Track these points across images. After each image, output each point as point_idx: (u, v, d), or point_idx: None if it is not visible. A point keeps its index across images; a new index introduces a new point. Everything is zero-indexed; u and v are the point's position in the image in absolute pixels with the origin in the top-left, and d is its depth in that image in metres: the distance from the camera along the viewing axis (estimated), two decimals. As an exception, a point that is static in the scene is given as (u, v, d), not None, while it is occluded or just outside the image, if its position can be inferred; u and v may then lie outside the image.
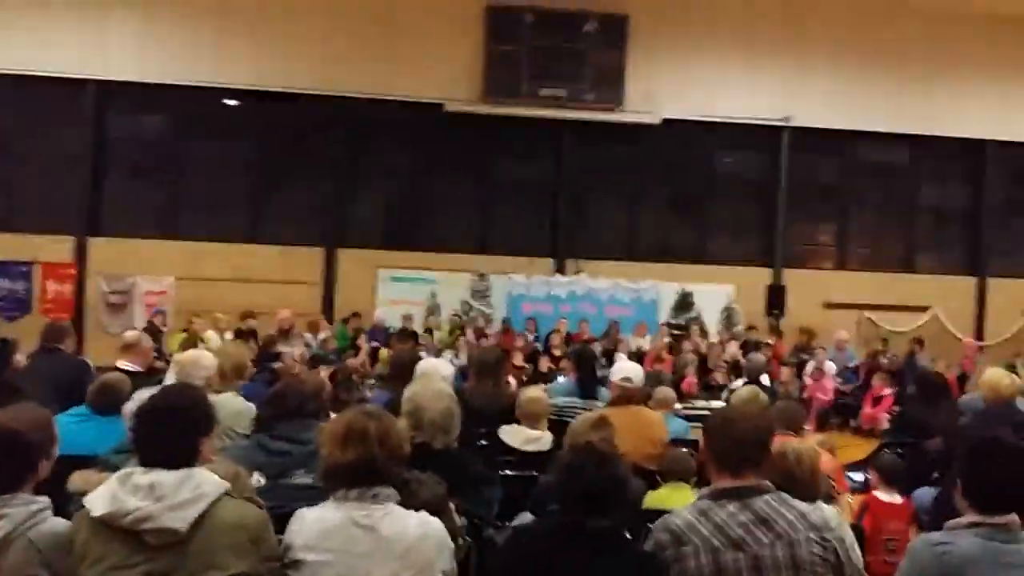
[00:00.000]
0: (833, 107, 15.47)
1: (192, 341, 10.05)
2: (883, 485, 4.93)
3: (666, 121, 15.02)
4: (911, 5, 15.36)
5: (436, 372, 5.05)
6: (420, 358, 5.95)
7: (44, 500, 2.47)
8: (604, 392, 5.94)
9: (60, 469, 2.89)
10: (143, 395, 3.43)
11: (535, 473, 4.33)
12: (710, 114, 15.31)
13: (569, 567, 2.51)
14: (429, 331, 13.63)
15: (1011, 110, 15.84)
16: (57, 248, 14.20)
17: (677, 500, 4.22)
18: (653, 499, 4.39)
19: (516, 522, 3.72)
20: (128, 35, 14.17)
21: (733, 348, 13.18)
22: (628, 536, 2.83)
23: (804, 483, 3.28)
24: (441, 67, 14.64)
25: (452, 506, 2.98)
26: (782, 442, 3.53)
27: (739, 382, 9.19)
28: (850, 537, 2.77)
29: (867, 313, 15.67)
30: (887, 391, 11.45)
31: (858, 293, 15.78)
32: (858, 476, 5.33)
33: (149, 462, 2.42)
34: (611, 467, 2.67)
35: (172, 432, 2.48)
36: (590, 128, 15.17)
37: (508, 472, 4.42)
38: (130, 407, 3.62)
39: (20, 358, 4.89)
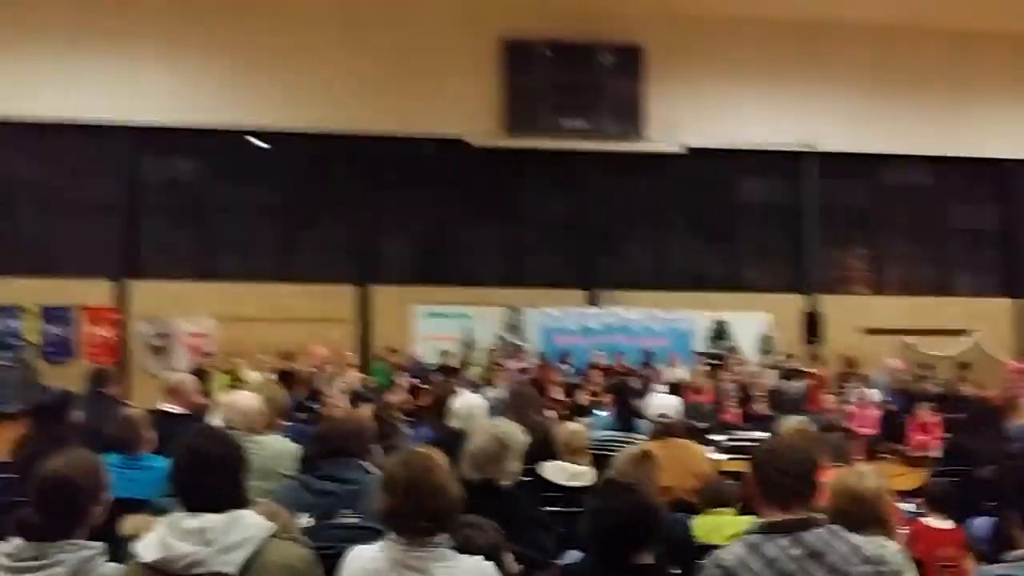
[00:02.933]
0: (857, 131, 15.42)
1: (234, 383, 10.09)
2: (933, 511, 4.84)
3: (690, 150, 15.00)
4: (931, 25, 15.32)
5: (472, 407, 5.05)
6: (455, 393, 5.96)
7: (99, 546, 2.49)
8: (643, 424, 5.91)
9: (110, 512, 2.92)
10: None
11: (580, 509, 4.28)
12: (733, 141, 15.32)
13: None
14: (466, 366, 13.62)
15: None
16: (97, 292, 14.42)
17: (721, 526, 4.18)
18: (698, 529, 4.35)
19: (564, 561, 3.68)
20: (158, 79, 14.44)
21: (773, 378, 13.01)
22: (678, 573, 2.80)
23: (875, 515, 3.22)
24: (461, 103, 14.78)
25: (510, 553, 2.96)
26: (844, 472, 3.47)
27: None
28: (911, 572, 2.70)
29: (906, 338, 15.45)
30: (935, 418, 11.21)
31: (895, 318, 15.57)
32: (909, 506, 5.22)
33: (192, 507, 2.43)
34: (636, 496, 2.64)
35: (213, 475, 2.48)
36: (613, 159, 15.22)
37: (554, 509, 4.38)
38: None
39: (76, 416, 4.95)
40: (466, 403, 5.21)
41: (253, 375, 11.26)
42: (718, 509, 4.40)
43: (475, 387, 11.99)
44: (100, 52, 14.41)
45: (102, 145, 14.65)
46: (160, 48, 14.48)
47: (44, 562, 2.37)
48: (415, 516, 2.52)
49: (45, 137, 14.53)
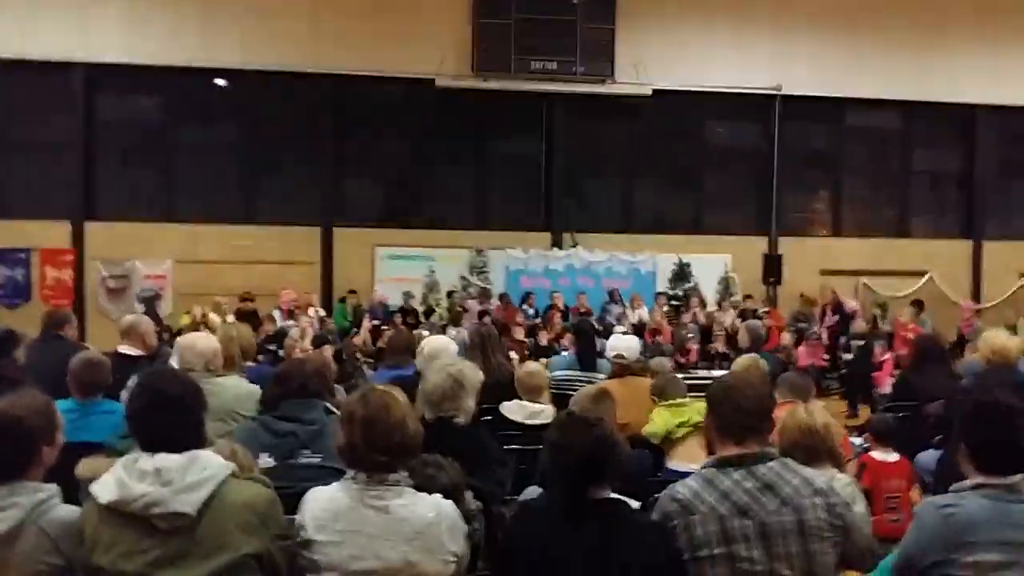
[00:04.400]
0: (824, 74, 15.43)
1: (195, 325, 10.01)
2: (877, 444, 4.97)
3: (657, 92, 14.94)
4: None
5: (444, 350, 5.05)
6: (417, 336, 5.96)
7: (52, 487, 2.47)
8: (604, 364, 5.97)
9: (67, 457, 2.90)
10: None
11: (540, 446, 4.34)
12: (701, 84, 15.24)
13: (577, 541, 2.52)
14: (430, 309, 13.63)
15: (1002, 73, 15.80)
16: (54, 234, 14.17)
17: (677, 415, 4.30)
18: (656, 420, 4.48)
19: (523, 496, 3.74)
20: (114, 16, 14.02)
21: (731, 317, 13.21)
22: (634, 506, 2.85)
23: (826, 447, 3.32)
24: (430, 43, 14.53)
25: (468, 490, 2.99)
26: (794, 408, 3.57)
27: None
28: (860, 503, 2.79)
29: (864, 279, 15.71)
30: (887, 355, 11.49)
31: (854, 260, 15.84)
32: (859, 440, 5.36)
33: (150, 448, 2.42)
34: (595, 430, 2.67)
35: (170, 416, 2.47)
36: (582, 101, 15.11)
37: (514, 447, 4.44)
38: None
39: (20, 354, 4.86)
40: (436, 344, 5.17)
41: (213, 317, 11.20)
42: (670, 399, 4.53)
43: (441, 329, 12.10)
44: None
45: (57, 83, 14.20)
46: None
47: (-2, 504, 2.35)
48: (373, 451, 2.53)
49: (-1, 75, 14.08)
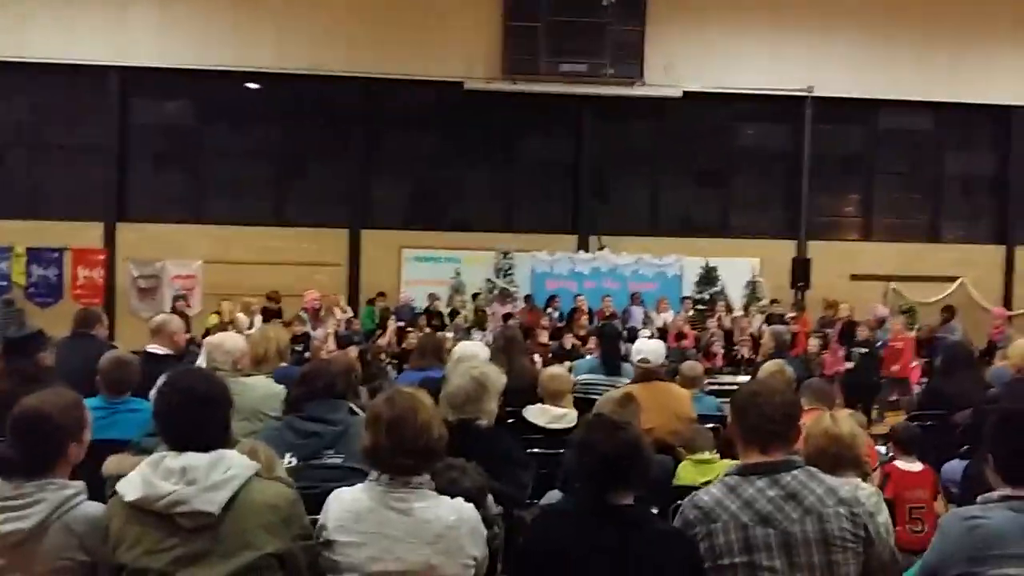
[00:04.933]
0: (856, 75, 15.23)
1: (223, 324, 10.11)
2: (901, 453, 4.90)
3: (687, 94, 14.86)
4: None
5: (475, 356, 5.05)
6: (443, 339, 5.96)
7: (79, 484, 2.49)
8: (628, 368, 5.95)
9: (94, 454, 2.94)
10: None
11: (562, 451, 4.34)
12: (731, 86, 15.14)
13: (597, 547, 2.51)
14: (455, 311, 13.66)
15: (1040, 75, 15.54)
16: (86, 234, 14.39)
17: (704, 472, 4.23)
18: (682, 474, 4.40)
19: (544, 501, 3.74)
20: (149, 20, 14.22)
21: (757, 322, 13.10)
22: (656, 514, 2.84)
23: (852, 456, 3.27)
24: (460, 45, 14.59)
25: (490, 494, 2.99)
26: (820, 415, 3.52)
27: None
28: (884, 514, 2.75)
29: (894, 284, 15.52)
30: (915, 363, 11.35)
31: (884, 264, 15.64)
32: (883, 449, 5.29)
33: (177, 445, 2.45)
34: (623, 434, 2.65)
35: (197, 414, 2.49)
36: (611, 103, 15.08)
37: (535, 451, 4.44)
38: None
39: (48, 354, 4.93)
40: (467, 350, 5.16)
41: (241, 317, 11.29)
42: (698, 455, 4.42)
43: (466, 332, 12.13)
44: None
45: (92, 87, 14.44)
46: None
47: (25, 501, 2.38)
48: (398, 453, 2.54)
49: (34, 79, 14.34)
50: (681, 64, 14.79)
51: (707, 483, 4.15)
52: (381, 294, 13.95)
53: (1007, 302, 15.62)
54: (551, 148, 15.99)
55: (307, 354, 9.65)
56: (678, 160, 16.04)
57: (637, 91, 14.78)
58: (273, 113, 15.16)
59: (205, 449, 2.44)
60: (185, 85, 14.76)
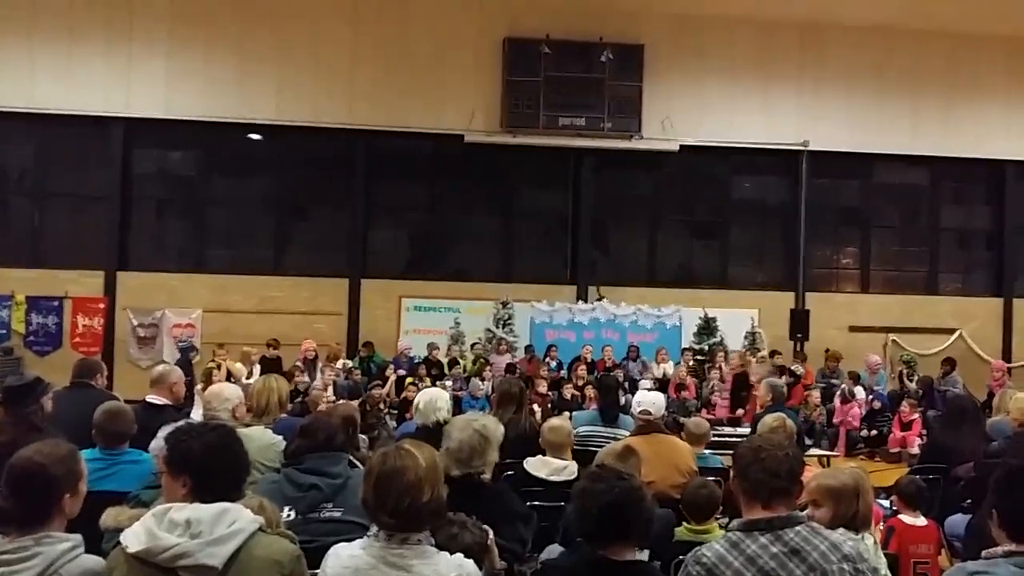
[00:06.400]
0: (850, 130, 15.51)
1: (208, 374, 10.00)
2: (906, 508, 4.87)
3: (684, 148, 15.06)
4: (927, 26, 15.36)
5: (440, 397, 5.05)
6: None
7: (76, 538, 2.47)
8: (627, 420, 5.93)
9: (92, 506, 2.91)
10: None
11: (562, 503, 4.30)
12: (728, 140, 15.36)
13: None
14: (454, 360, 13.64)
15: (1032, 129, 15.76)
16: (87, 283, 14.43)
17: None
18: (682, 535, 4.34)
19: (544, 555, 3.70)
20: (153, 73, 14.44)
21: (764, 371, 13.04)
22: (658, 568, 2.81)
23: (863, 512, 3.26)
24: (460, 99, 14.81)
25: (495, 549, 2.96)
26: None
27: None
28: (884, 568, 2.73)
29: (892, 336, 15.55)
30: (916, 415, 11.32)
31: (883, 316, 15.70)
32: (887, 503, 5.26)
33: (197, 498, 2.44)
34: (624, 482, 2.64)
35: (221, 469, 2.51)
36: (609, 156, 15.27)
37: (536, 503, 4.40)
38: (161, 443, 3.64)
39: (47, 402, 4.91)
40: (430, 396, 5.14)
41: (239, 367, 11.27)
42: (703, 524, 4.30)
43: (465, 381, 12.10)
44: (96, 44, 14.37)
45: (96, 136, 14.60)
46: (155, 40, 14.46)
47: (21, 555, 2.36)
48: (381, 512, 2.51)
49: (39, 128, 14.52)
50: (678, 119, 15.00)
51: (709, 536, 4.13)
52: (367, 344, 13.93)
53: (1006, 354, 15.63)
54: (550, 199, 16.14)
55: (305, 400, 9.60)
56: (676, 212, 16.22)
57: (635, 144, 14.97)
58: (274, 163, 15.31)
59: (228, 499, 2.44)
60: (187, 136, 14.93)
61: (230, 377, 10.09)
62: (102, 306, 14.35)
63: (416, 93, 14.73)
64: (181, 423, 2.82)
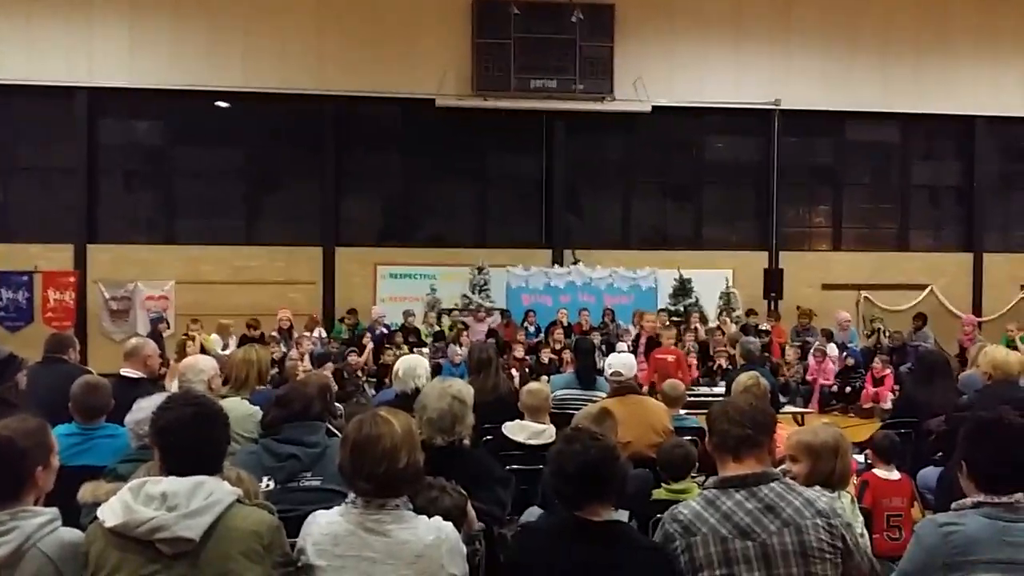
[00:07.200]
0: (821, 89, 15.52)
1: (182, 346, 9.92)
2: (880, 462, 4.95)
3: (656, 108, 15.01)
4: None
5: (419, 365, 5.05)
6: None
7: (53, 511, 2.46)
8: (603, 382, 5.97)
9: (69, 481, 2.90)
10: (148, 403, 3.42)
11: (541, 467, 4.33)
12: (700, 100, 15.33)
13: (579, 564, 2.52)
14: (431, 327, 13.63)
15: (1001, 85, 15.88)
16: (57, 256, 14.22)
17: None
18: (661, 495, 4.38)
19: (524, 517, 3.73)
20: (117, 40, 14.14)
21: (733, 332, 13.17)
22: (636, 528, 2.85)
23: (841, 470, 3.31)
24: (430, 63, 14.63)
25: (472, 512, 2.99)
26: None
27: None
28: (860, 523, 2.78)
29: (864, 293, 15.72)
30: (888, 371, 11.50)
31: (855, 273, 15.86)
32: (860, 457, 5.34)
33: (176, 472, 2.44)
34: (598, 442, 2.67)
35: (203, 442, 2.51)
36: (581, 118, 15.19)
37: (515, 467, 4.44)
38: (137, 416, 3.62)
39: (22, 378, 4.86)
40: (409, 363, 5.10)
41: (215, 338, 11.20)
42: (681, 484, 4.35)
43: (445, 348, 12.11)
44: (58, 13, 14.00)
45: (61, 108, 14.29)
46: (119, 8, 14.14)
47: (-2, 529, 2.35)
48: (358, 478, 2.53)
49: (2, 101, 14.18)
50: (650, 79, 14.93)
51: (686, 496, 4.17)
52: (351, 311, 13.88)
53: (976, 308, 15.86)
54: (523, 163, 16.05)
55: (282, 371, 9.58)
56: (649, 174, 16.20)
57: (607, 106, 14.91)
58: (243, 132, 15.08)
59: (207, 472, 2.44)
60: (154, 105, 14.67)
61: (203, 350, 10.02)
62: (72, 279, 14.17)
63: (385, 57, 14.54)
64: (166, 394, 2.79)
